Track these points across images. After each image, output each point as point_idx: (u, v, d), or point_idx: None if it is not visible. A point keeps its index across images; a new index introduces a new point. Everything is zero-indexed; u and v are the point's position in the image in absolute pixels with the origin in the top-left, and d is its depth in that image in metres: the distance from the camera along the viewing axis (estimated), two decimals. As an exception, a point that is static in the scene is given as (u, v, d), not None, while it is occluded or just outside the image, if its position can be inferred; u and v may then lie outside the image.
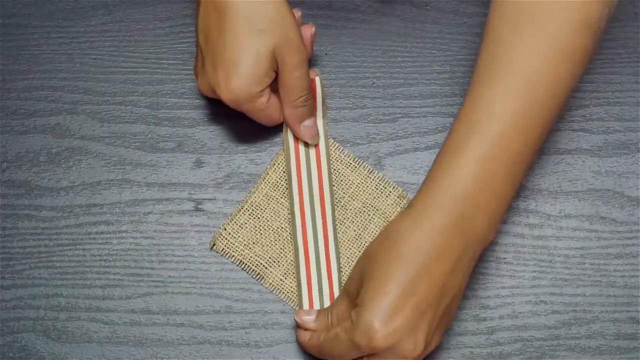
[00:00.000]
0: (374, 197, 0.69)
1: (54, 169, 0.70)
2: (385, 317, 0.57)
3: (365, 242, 0.68)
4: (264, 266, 0.67)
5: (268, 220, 0.68)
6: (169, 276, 0.67)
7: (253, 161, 0.70)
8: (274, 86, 0.65)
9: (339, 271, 0.67)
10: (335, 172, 0.69)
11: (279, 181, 0.69)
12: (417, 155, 0.70)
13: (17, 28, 0.74)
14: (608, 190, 0.70)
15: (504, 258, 0.68)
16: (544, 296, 0.67)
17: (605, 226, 0.69)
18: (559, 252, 0.68)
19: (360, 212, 0.69)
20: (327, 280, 0.66)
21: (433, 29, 0.74)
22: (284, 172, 0.69)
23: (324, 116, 0.70)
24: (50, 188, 0.69)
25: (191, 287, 0.67)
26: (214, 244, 0.68)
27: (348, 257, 0.68)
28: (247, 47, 0.62)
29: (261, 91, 0.64)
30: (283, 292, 0.67)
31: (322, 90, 0.71)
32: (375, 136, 0.71)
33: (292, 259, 0.67)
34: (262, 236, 0.68)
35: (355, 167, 0.70)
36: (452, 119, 0.62)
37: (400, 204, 0.69)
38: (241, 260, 0.67)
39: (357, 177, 0.69)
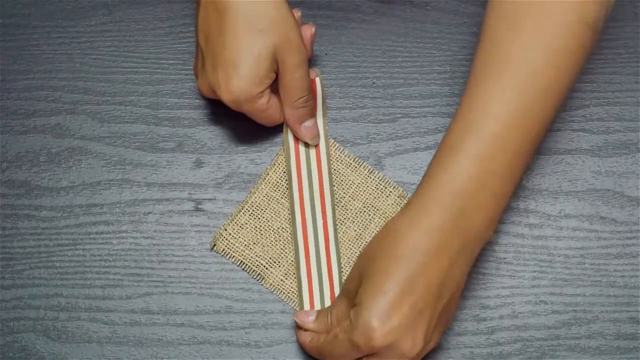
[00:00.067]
0: (374, 197, 0.69)
1: (54, 169, 0.70)
2: (383, 316, 0.57)
3: (366, 242, 0.68)
4: (264, 266, 0.67)
5: (268, 221, 0.68)
6: (169, 276, 0.67)
7: (253, 161, 0.70)
8: (274, 87, 0.65)
9: (340, 271, 0.67)
10: (336, 172, 0.69)
11: (279, 181, 0.69)
12: (417, 155, 0.70)
13: (17, 28, 0.74)
14: (608, 190, 0.70)
15: (504, 258, 0.68)
16: (544, 296, 0.67)
17: (605, 226, 0.69)
18: (559, 252, 0.68)
19: (360, 212, 0.69)
20: (327, 281, 0.66)
21: (433, 29, 0.74)
22: (284, 172, 0.69)
23: (324, 116, 0.70)
24: (50, 188, 0.69)
25: (191, 287, 0.67)
26: (215, 245, 0.68)
27: (349, 257, 0.68)
28: (247, 47, 0.62)
29: (261, 92, 0.64)
30: (284, 293, 0.67)
31: (322, 91, 0.71)
32: (375, 136, 0.71)
33: (292, 259, 0.67)
34: (262, 236, 0.68)
35: (356, 167, 0.70)
36: (452, 119, 0.62)
37: (401, 203, 0.69)
38: (242, 261, 0.67)
39: (357, 177, 0.69)
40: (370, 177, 0.69)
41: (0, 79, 0.72)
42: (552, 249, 0.68)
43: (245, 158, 0.70)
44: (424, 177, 0.60)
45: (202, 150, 0.70)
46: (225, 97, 0.63)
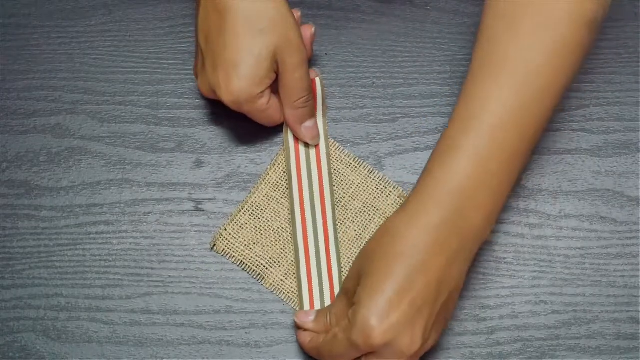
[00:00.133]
0: (375, 197, 0.69)
1: (54, 169, 0.70)
2: (381, 314, 0.57)
3: (366, 241, 0.68)
4: (264, 266, 0.67)
5: (268, 221, 0.68)
6: (169, 276, 0.67)
7: (253, 161, 0.70)
8: (275, 87, 0.65)
9: (340, 271, 0.67)
10: (336, 172, 0.69)
11: (280, 181, 0.69)
12: (417, 155, 0.70)
13: (17, 28, 0.74)
14: (608, 190, 0.70)
15: (504, 258, 0.68)
16: (544, 296, 0.67)
17: (605, 226, 0.69)
18: (559, 252, 0.68)
19: (360, 212, 0.69)
20: (327, 281, 0.66)
21: (433, 29, 0.74)
22: (284, 172, 0.69)
23: (324, 116, 0.70)
24: (50, 188, 0.69)
25: (191, 287, 0.67)
26: (215, 245, 0.68)
27: (349, 257, 0.67)
28: (247, 47, 0.62)
29: (262, 92, 0.64)
30: (284, 293, 0.67)
31: (322, 91, 0.71)
32: (375, 136, 0.71)
33: (292, 259, 0.67)
34: (262, 236, 0.68)
35: (356, 167, 0.70)
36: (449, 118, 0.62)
37: (401, 203, 0.69)
38: (242, 261, 0.67)
39: (357, 177, 0.69)
40: (370, 177, 0.69)
41: (0, 79, 0.72)
42: (552, 249, 0.68)
43: (245, 158, 0.70)
44: (421, 175, 0.60)
45: (202, 150, 0.70)
46: (226, 97, 0.63)
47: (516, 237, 0.68)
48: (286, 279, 0.67)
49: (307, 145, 0.69)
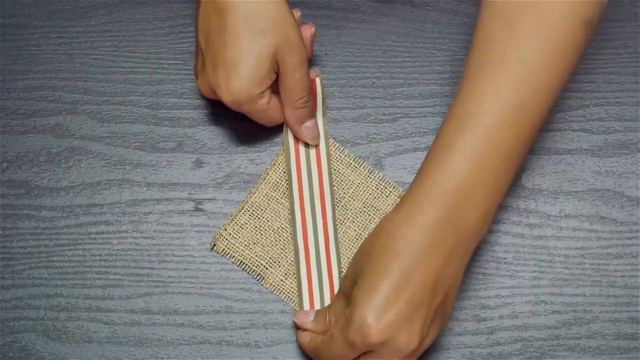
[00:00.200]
0: (375, 197, 0.69)
1: (54, 169, 0.70)
2: (378, 312, 0.57)
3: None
4: (264, 266, 0.67)
5: (268, 221, 0.68)
6: (169, 276, 0.67)
7: (253, 161, 0.70)
8: (275, 87, 0.65)
9: (340, 271, 0.67)
10: (336, 172, 0.69)
11: (280, 181, 0.69)
12: (417, 155, 0.70)
13: (17, 28, 0.74)
14: (608, 190, 0.70)
15: (504, 258, 0.68)
16: (544, 296, 0.67)
17: (605, 226, 0.69)
18: (559, 252, 0.68)
19: (360, 212, 0.69)
20: (327, 281, 0.66)
21: (433, 29, 0.74)
22: (284, 172, 0.69)
23: (324, 116, 0.70)
24: (50, 188, 0.69)
25: (191, 287, 0.67)
26: (215, 245, 0.68)
27: (349, 257, 0.67)
28: (247, 48, 0.62)
29: (262, 92, 0.64)
30: (284, 293, 0.67)
31: (322, 91, 0.71)
32: (375, 136, 0.71)
33: (292, 259, 0.67)
34: (262, 236, 0.68)
35: (356, 167, 0.70)
36: (445, 117, 0.62)
37: (400, 204, 0.69)
38: (242, 261, 0.67)
39: (357, 177, 0.69)
40: (370, 177, 0.69)
41: (0, 79, 0.72)
42: (552, 249, 0.68)
43: (245, 158, 0.70)
44: (417, 174, 0.60)
45: (202, 150, 0.70)
46: (226, 97, 0.63)
47: (516, 237, 0.68)
48: (286, 279, 0.67)
49: (307, 145, 0.69)
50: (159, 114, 0.71)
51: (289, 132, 0.69)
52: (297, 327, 0.65)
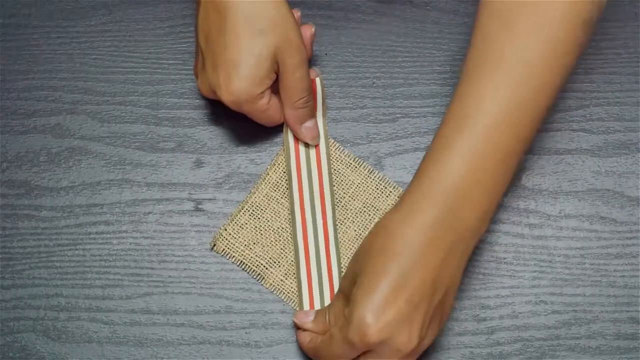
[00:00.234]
0: (375, 197, 0.69)
1: (54, 169, 0.70)
2: (378, 311, 0.57)
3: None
4: (264, 266, 0.67)
5: (268, 221, 0.68)
6: (169, 276, 0.67)
7: (253, 161, 0.70)
8: (275, 87, 0.65)
9: (340, 271, 0.67)
10: (336, 172, 0.69)
11: (280, 181, 0.69)
12: (417, 155, 0.70)
13: (17, 28, 0.74)
14: (608, 190, 0.70)
15: (504, 258, 0.68)
16: (544, 296, 0.67)
17: (605, 226, 0.69)
18: (559, 252, 0.68)
19: (360, 212, 0.69)
20: (327, 281, 0.66)
21: (433, 29, 0.74)
22: (284, 172, 0.69)
23: (324, 116, 0.70)
24: (50, 188, 0.69)
25: (191, 287, 0.67)
26: (215, 245, 0.68)
27: (348, 257, 0.67)
28: (247, 48, 0.62)
29: (262, 92, 0.64)
30: (284, 293, 0.67)
31: (322, 91, 0.71)
32: (375, 136, 0.71)
33: (292, 259, 0.67)
34: (262, 236, 0.68)
35: (356, 167, 0.70)
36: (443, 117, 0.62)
37: (400, 204, 0.69)
38: (242, 261, 0.67)
39: (357, 177, 0.69)
40: (370, 177, 0.69)
41: (0, 79, 0.72)
42: (552, 249, 0.68)
43: (245, 158, 0.70)
44: (416, 174, 0.60)
45: (202, 150, 0.70)
46: (226, 97, 0.63)
47: (516, 237, 0.68)
48: (286, 279, 0.67)
49: (307, 145, 0.69)
50: (159, 114, 0.71)
51: (289, 132, 0.69)
52: (297, 327, 0.65)
